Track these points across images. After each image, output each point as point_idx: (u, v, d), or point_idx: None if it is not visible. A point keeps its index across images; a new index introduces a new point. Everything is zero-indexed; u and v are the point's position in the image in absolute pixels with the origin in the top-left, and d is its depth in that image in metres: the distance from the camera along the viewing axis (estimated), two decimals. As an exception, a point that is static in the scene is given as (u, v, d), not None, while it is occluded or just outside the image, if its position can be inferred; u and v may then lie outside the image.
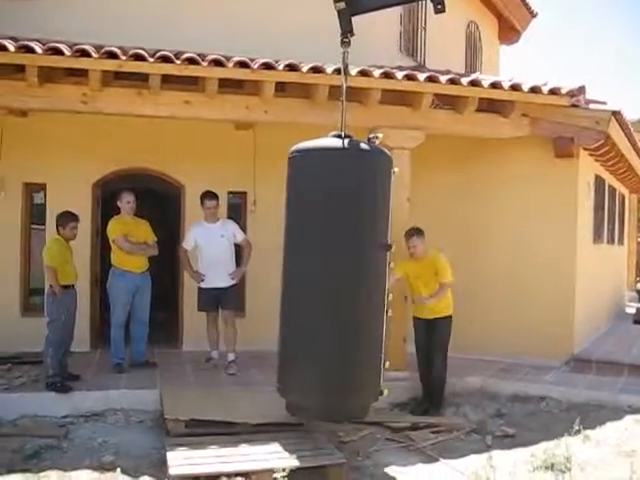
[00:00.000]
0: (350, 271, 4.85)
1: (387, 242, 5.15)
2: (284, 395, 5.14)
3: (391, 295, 5.28)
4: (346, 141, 4.98)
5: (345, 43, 5.14)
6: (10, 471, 4.69)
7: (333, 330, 4.82)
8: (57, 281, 6.36)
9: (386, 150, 5.31)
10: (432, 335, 6.57)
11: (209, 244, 7.25)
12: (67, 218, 6.60)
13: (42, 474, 4.64)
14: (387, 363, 5.20)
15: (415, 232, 6.55)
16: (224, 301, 7.25)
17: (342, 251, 4.83)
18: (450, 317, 6.61)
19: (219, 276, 7.20)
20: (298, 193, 5.10)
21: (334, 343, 4.80)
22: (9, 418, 5.75)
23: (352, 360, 4.87)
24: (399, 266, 6.24)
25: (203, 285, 7.34)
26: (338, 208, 4.85)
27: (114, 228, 7.14)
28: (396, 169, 5.28)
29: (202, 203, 7.31)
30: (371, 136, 5.26)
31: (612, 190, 10.88)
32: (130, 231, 7.15)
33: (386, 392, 5.20)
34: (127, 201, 7.13)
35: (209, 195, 7.30)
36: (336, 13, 4.92)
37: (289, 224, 5.11)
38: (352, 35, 5.07)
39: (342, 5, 4.87)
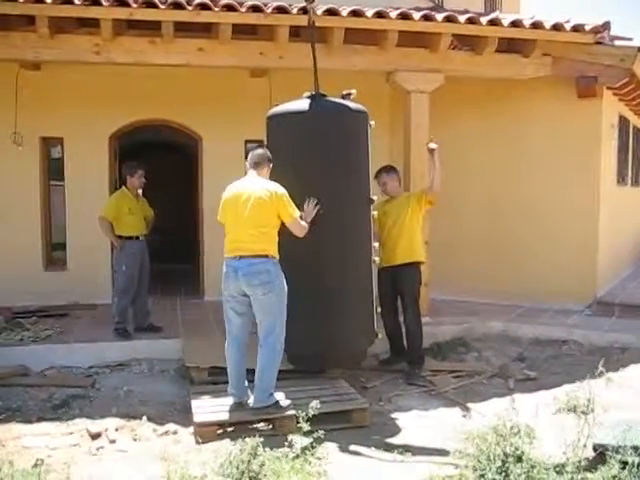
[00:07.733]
0: (334, 224, 5.07)
1: (369, 196, 5.34)
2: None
3: (376, 244, 5.44)
4: (319, 101, 5.06)
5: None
6: (40, 419, 4.82)
7: (326, 281, 5.12)
8: (112, 233, 6.53)
9: (360, 105, 5.28)
10: (400, 285, 5.96)
11: None
12: (134, 167, 6.70)
13: (71, 422, 4.76)
14: (379, 308, 5.51)
15: (383, 169, 6.05)
16: None
17: (326, 206, 4.98)
18: (418, 264, 6.01)
19: None
20: (277, 155, 5.12)
21: (327, 292, 5.10)
22: (37, 369, 5.88)
23: (346, 307, 5.18)
24: (377, 211, 5.83)
25: None
26: (317, 166, 5.03)
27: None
28: (372, 122, 5.31)
29: None
30: (345, 93, 5.24)
31: (637, 131, 10.62)
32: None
33: (380, 336, 5.55)
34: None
35: None
36: None
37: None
38: None
39: None
